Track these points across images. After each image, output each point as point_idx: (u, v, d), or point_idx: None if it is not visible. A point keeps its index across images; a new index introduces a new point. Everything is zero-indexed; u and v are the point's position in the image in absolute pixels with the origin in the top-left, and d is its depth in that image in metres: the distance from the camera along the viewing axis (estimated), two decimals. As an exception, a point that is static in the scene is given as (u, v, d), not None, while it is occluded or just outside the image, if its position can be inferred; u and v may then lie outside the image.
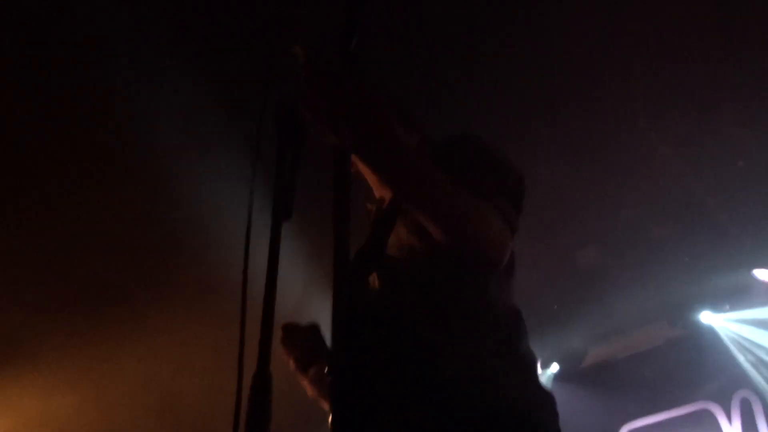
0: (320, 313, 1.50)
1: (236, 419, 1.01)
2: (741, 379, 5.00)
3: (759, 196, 4.37)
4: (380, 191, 1.58)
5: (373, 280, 1.44)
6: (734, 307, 5.21)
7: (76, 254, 4.03)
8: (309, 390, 1.53)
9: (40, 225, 3.81)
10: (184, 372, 5.06)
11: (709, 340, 5.23)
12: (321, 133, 1.12)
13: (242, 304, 1.07)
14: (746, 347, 5.11)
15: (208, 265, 4.10)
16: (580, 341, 5.56)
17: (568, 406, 5.29)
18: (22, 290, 4.20)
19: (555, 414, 1.34)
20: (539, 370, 5.40)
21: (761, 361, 5.00)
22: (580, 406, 5.35)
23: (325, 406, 1.54)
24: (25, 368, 4.77)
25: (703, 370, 5.14)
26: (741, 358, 5.09)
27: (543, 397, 1.35)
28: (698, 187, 4.32)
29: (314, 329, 1.53)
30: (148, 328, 4.64)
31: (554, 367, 5.64)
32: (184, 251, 4.14)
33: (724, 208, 4.49)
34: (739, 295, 5.15)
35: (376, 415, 1.30)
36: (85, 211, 3.77)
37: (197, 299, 4.50)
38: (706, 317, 5.27)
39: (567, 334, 5.38)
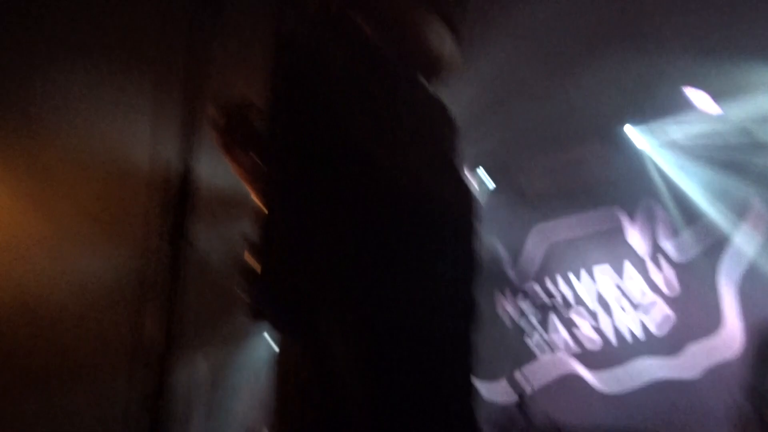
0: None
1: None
2: (649, 189, 5.38)
3: (701, 15, 4.35)
4: None
5: None
6: (658, 122, 5.44)
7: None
8: (235, 169, 1.55)
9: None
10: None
11: (628, 152, 5.52)
12: None
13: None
14: (660, 161, 5.44)
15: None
16: (510, 151, 5.75)
17: (493, 207, 5.65)
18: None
19: (476, 205, 1.42)
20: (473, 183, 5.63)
21: (671, 174, 5.36)
22: (503, 209, 5.70)
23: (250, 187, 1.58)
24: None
25: (617, 179, 5.49)
26: (653, 171, 5.43)
27: (461, 185, 1.41)
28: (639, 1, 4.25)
29: (251, 109, 1.52)
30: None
31: (485, 176, 5.88)
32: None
33: (665, 24, 4.47)
34: (666, 112, 5.36)
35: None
36: None
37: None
38: (630, 131, 5.52)
39: (500, 143, 5.54)
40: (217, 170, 1.66)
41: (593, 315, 5.26)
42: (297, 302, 1.32)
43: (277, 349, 1.46)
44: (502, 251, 5.84)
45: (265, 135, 1.46)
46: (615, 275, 5.32)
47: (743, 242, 4.91)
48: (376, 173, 1.30)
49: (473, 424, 1.24)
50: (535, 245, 5.72)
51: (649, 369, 4.84)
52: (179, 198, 1.15)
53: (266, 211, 1.36)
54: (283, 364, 1.43)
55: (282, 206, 1.36)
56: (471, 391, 1.27)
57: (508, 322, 5.46)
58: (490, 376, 5.11)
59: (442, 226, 1.31)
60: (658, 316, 5.03)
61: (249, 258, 1.36)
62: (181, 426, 5.48)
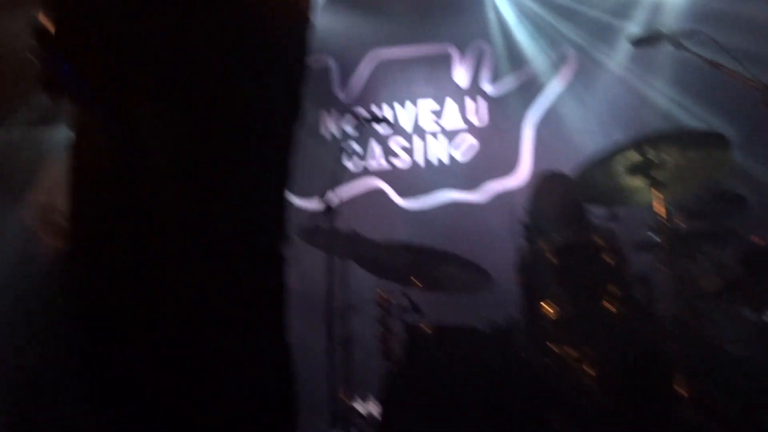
0: None
1: None
2: (484, 30, 5.52)
3: None
4: None
5: None
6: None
7: None
8: None
9: None
10: None
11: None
12: None
13: None
14: (501, 1, 5.55)
15: None
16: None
17: (330, 24, 5.48)
18: None
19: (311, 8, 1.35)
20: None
21: (506, 16, 5.51)
22: (340, 27, 5.57)
23: None
24: None
25: (455, 15, 5.54)
26: (490, 10, 5.55)
27: None
28: None
29: None
30: None
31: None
32: None
33: None
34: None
35: None
36: None
37: None
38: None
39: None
40: None
41: (409, 141, 5.52)
42: (99, 69, 1.17)
43: (75, 131, 1.32)
44: (333, 69, 5.79)
45: None
46: (436, 109, 5.55)
47: (553, 89, 5.32)
48: None
49: (282, 224, 1.27)
50: (367, 69, 5.73)
51: (447, 192, 5.26)
52: None
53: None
54: (81, 146, 1.30)
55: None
56: (283, 192, 1.28)
57: (329, 142, 5.56)
58: (306, 193, 5.27)
59: (272, 23, 1.24)
60: (464, 145, 5.39)
61: (42, 15, 1.19)
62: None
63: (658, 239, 2.69)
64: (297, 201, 5.32)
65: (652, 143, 2.72)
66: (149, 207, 1.17)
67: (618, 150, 2.80)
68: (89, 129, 1.28)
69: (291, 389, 1.21)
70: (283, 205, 1.26)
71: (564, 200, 3.35)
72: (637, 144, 2.75)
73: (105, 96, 1.21)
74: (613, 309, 2.75)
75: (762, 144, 3.88)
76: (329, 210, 3.42)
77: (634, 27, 5.05)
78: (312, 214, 3.46)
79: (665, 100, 4.89)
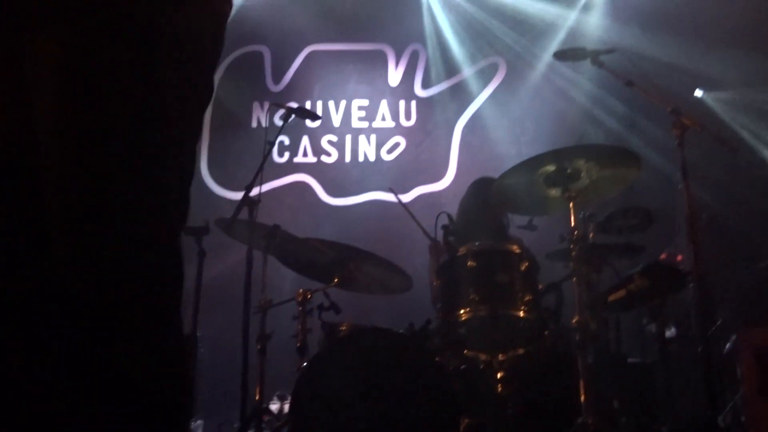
0: None
1: None
2: (420, 34, 5.57)
3: None
4: None
5: None
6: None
7: None
8: None
9: None
10: None
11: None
12: None
13: None
14: (437, 8, 5.60)
15: None
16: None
17: (268, 15, 5.43)
18: None
19: None
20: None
21: (442, 23, 5.57)
22: (278, 20, 5.52)
23: None
24: None
25: (393, 17, 5.57)
26: (427, 15, 5.60)
27: None
28: None
29: None
30: None
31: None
32: None
33: None
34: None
35: None
36: None
37: None
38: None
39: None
40: None
41: (339, 138, 5.50)
42: None
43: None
44: (268, 61, 5.70)
45: None
46: (368, 108, 5.55)
47: (483, 96, 5.42)
48: None
49: (181, 212, 1.21)
50: (305, 66, 5.68)
51: (370, 189, 5.29)
52: None
53: None
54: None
55: None
56: (184, 177, 1.22)
57: (258, 133, 5.46)
58: (231, 184, 5.18)
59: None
60: (393, 146, 5.43)
61: None
62: None
63: (568, 249, 2.76)
64: (221, 191, 5.22)
65: (568, 156, 2.79)
66: (34, 183, 1.05)
67: (538, 161, 2.86)
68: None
69: (184, 384, 1.17)
70: (184, 192, 1.20)
71: (486, 207, 3.41)
72: (555, 156, 2.81)
73: None
74: (524, 315, 2.81)
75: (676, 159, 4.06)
76: (253, 202, 3.35)
77: (562, 33, 5.22)
78: (236, 206, 3.37)
79: (591, 104, 5.05)
